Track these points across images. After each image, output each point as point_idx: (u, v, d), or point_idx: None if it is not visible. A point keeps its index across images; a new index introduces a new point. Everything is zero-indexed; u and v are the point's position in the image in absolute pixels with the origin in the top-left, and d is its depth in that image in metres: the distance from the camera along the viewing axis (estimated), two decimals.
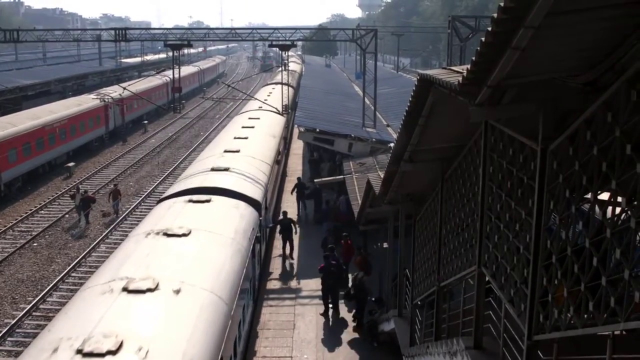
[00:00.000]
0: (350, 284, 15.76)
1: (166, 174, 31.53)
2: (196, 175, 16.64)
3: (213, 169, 16.64)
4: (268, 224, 18.06)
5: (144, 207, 25.87)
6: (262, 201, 15.43)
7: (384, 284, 16.23)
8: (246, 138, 21.88)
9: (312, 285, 17.36)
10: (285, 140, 31.71)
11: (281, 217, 19.96)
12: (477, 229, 6.90)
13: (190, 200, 13.04)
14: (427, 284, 10.27)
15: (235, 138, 21.87)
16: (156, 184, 29.48)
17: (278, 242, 20.49)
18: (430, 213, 10.26)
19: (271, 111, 29.40)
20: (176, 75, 27.88)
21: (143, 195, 27.37)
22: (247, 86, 74.24)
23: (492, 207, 6.47)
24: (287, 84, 34.52)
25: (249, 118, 27.34)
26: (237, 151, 19.31)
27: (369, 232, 18.83)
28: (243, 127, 24.58)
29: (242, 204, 13.81)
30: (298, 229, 20.34)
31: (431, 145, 8.39)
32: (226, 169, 16.63)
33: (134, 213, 25.13)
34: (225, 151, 19.34)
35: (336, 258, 16.33)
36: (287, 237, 19.54)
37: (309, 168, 30.29)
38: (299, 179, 25.37)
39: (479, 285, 7.03)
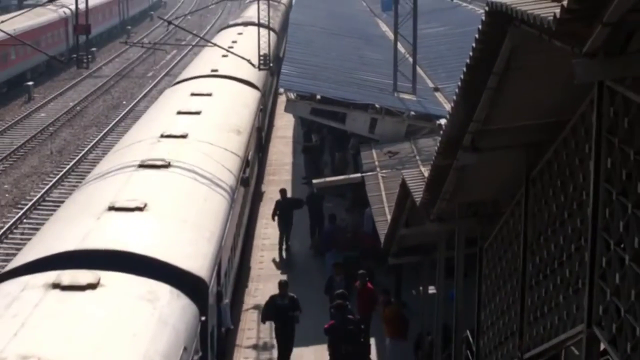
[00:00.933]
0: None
1: (65, 170, 31.62)
2: (77, 217, 13.97)
3: (113, 208, 13.52)
4: (225, 322, 15.40)
5: (27, 225, 25.89)
6: (209, 278, 12.85)
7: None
8: (184, 137, 18.82)
9: (309, 356, 17.43)
10: (261, 134, 29.70)
11: (277, 296, 17.56)
12: (585, 262, 6.91)
13: (54, 286, 10.31)
14: (503, 354, 10.28)
15: (163, 137, 18.71)
16: (47, 187, 29.55)
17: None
18: (508, 237, 10.27)
19: (234, 78, 27.54)
20: (82, 6, 27.92)
21: (25, 207, 27.42)
22: (200, 23, 74.46)
23: (610, 226, 6.48)
24: (268, 27, 32.99)
25: (193, 94, 24.35)
26: (165, 165, 16.29)
27: (404, 268, 18.85)
28: (180, 112, 21.63)
29: (164, 292, 11.18)
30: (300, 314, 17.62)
31: (508, 124, 8.41)
32: (139, 208, 13.56)
33: (10, 236, 25.16)
34: (142, 166, 16.20)
35: (351, 311, 16.38)
36: (287, 334, 17.26)
37: (303, 161, 30.36)
38: (283, 192, 24.80)
39: (589, 355, 7.04)
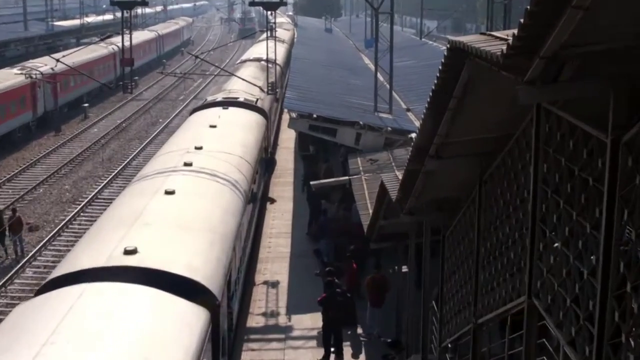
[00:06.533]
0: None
1: (113, 174, 31.55)
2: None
3: None
4: None
5: (83, 218, 25.83)
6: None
7: (402, 320, 16.24)
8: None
9: (307, 321, 17.36)
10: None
11: None
12: (526, 247, 6.90)
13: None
14: (460, 320, 10.27)
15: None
16: (100, 187, 29.48)
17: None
18: (465, 226, 10.25)
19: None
20: (127, 44, 27.87)
21: (82, 204, 27.36)
22: (220, 57, 74.35)
23: (546, 218, 6.47)
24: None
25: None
26: None
27: (383, 251, 18.82)
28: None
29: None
30: None
31: (465, 137, 8.39)
32: None
33: (70, 227, 25.09)
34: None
35: (340, 285, 16.35)
36: None
37: (302, 166, 30.31)
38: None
39: (529, 322, 7.03)
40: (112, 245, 10.29)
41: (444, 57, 6.82)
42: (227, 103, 24.97)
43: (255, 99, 26.74)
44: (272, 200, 26.41)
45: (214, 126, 20.62)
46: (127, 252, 9.97)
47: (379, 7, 30.10)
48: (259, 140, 22.19)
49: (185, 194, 13.60)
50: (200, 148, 17.01)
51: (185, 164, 15.35)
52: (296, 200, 27.04)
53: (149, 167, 17.04)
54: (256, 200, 20.22)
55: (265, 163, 24.43)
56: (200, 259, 10.84)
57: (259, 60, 37.79)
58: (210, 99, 27.68)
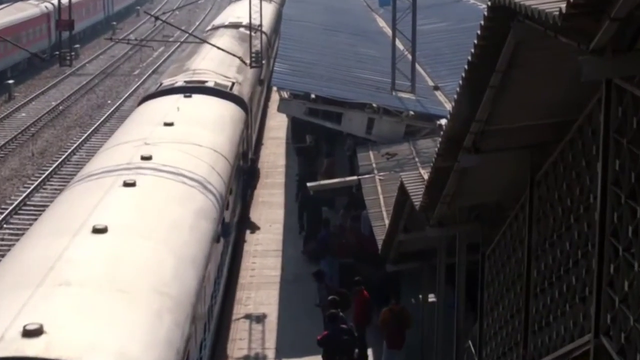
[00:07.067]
0: None
1: (47, 173, 31.58)
2: None
3: None
4: None
5: (7, 232, 25.82)
6: None
7: None
8: None
9: None
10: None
11: None
12: (592, 269, 6.89)
13: None
14: None
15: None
16: (29, 190, 29.51)
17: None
18: (511, 242, 10.26)
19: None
20: (64, 1, 27.89)
21: (5, 212, 27.38)
22: (188, 19, 74.42)
23: (619, 231, 6.47)
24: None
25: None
26: None
27: (403, 275, 18.83)
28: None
29: None
30: None
31: (511, 124, 8.41)
32: None
33: None
34: None
35: (344, 320, 16.36)
36: None
37: (298, 162, 30.32)
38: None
39: None
40: (6, 321, 8.81)
41: (483, 19, 6.82)
42: (190, 89, 23.77)
43: (230, 83, 25.88)
44: (254, 228, 25.69)
45: (170, 124, 19.30)
46: (28, 334, 8.43)
47: None
48: (235, 143, 21.25)
49: (123, 233, 12.05)
50: (149, 158, 15.70)
51: (126, 184, 13.91)
52: (288, 208, 27.06)
53: (74, 184, 15.82)
54: (229, 233, 19.16)
55: (244, 175, 23.93)
56: (141, 341, 9.43)
57: (237, 26, 37.26)
58: (167, 82, 26.28)
